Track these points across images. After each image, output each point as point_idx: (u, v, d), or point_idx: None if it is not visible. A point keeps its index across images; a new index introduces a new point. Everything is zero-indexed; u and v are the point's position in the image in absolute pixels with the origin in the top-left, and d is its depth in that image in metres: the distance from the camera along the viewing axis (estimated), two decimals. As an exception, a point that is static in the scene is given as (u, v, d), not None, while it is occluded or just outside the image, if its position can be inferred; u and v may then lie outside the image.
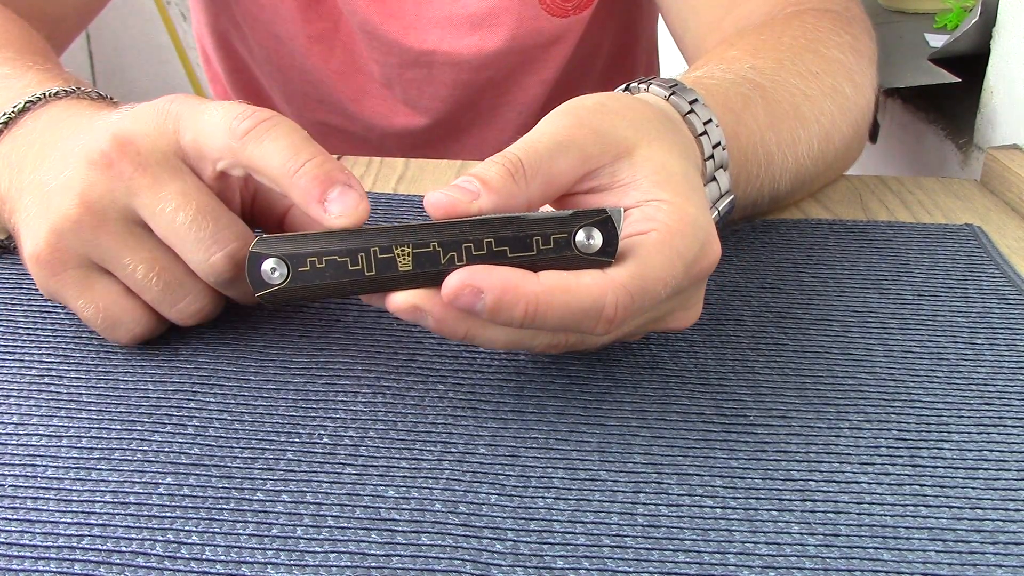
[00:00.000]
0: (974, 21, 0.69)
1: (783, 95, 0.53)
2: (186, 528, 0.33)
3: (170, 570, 0.32)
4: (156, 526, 0.33)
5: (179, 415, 0.39)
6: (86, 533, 0.33)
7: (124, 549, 0.32)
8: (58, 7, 0.66)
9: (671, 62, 0.95)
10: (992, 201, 0.61)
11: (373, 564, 0.32)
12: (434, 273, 0.35)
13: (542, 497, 0.35)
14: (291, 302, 0.37)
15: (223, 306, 0.43)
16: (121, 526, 0.33)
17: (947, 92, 0.76)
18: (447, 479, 0.36)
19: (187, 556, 0.32)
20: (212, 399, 0.40)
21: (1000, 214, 0.59)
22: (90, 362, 0.42)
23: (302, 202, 0.38)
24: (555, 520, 0.34)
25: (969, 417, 0.40)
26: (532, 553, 0.33)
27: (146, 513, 0.34)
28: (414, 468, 0.36)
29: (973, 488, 0.36)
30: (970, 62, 0.72)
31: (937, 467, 0.37)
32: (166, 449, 0.37)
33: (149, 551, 0.32)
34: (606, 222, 0.36)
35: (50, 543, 0.33)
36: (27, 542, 0.33)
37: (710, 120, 0.45)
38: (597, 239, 0.36)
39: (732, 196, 0.47)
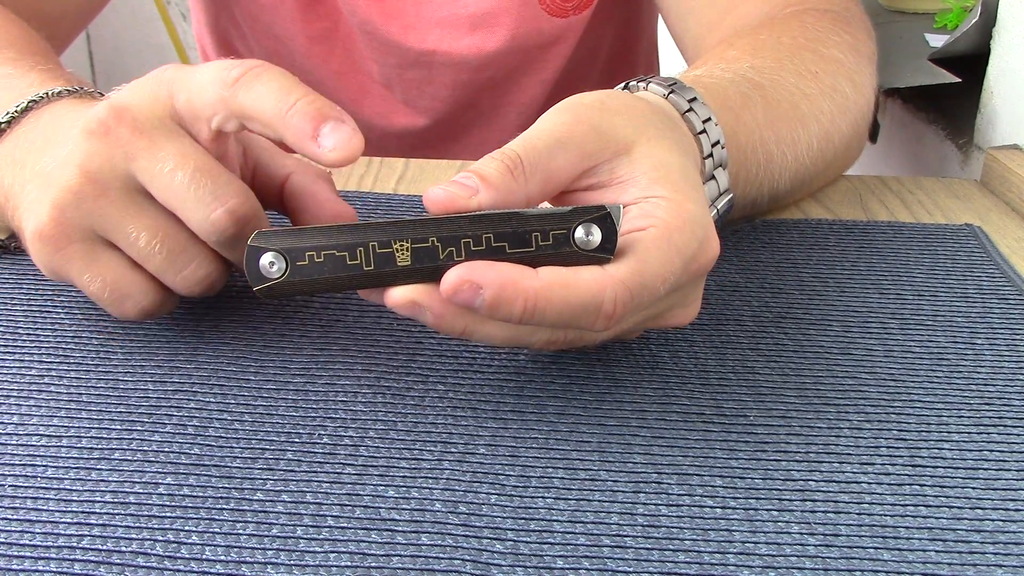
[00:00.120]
0: (974, 21, 0.69)
1: (782, 94, 0.53)
2: (186, 528, 0.33)
3: (170, 570, 0.32)
4: (156, 526, 0.33)
5: (179, 415, 0.39)
6: (86, 533, 0.33)
7: (124, 549, 0.32)
8: (58, 7, 0.66)
9: (671, 62, 0.95)
10: (992, 201, 0.61)
11: (373, 564, 0.32)
12: (433, 268, 0.35)
13: (542, 497, 0.35)
14: (289, 296, 0.37)
15: (228, 277, 0.43)
16: (121, 526, 0.33)
17: (947, 92, 0.76)
18: (447, 479, 0.36)
19: (187, 556, 0.32)
20: (212, 399, 0.40)
21: (1000, 214, 0.59)
22: (90, 362, 0.42)
23: (296, 140, 0.38)
24: (555, 520, 0.34)
25: (969, 417, 0.40)
26: (532, 553, 0.33)
27: (146, 513, 0.34)
28: (414, 468, 0.36)
29: (973, 488, 0.36)
30: (970, 62, 0.72)
31: (937, 467, 0.37)
32: (166, 449, 0.37)
33: (149, 551, 0.32)
34: (605, 219, 0.36)
35: (50, 543, 0.33)
36: (27, 542, 0.33)
37: (709, 118, 0.45)
38: (596, 235, 0.36)
39: (731, 195, 0.47)
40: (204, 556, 0.32)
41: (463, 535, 0.33)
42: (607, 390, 0.41)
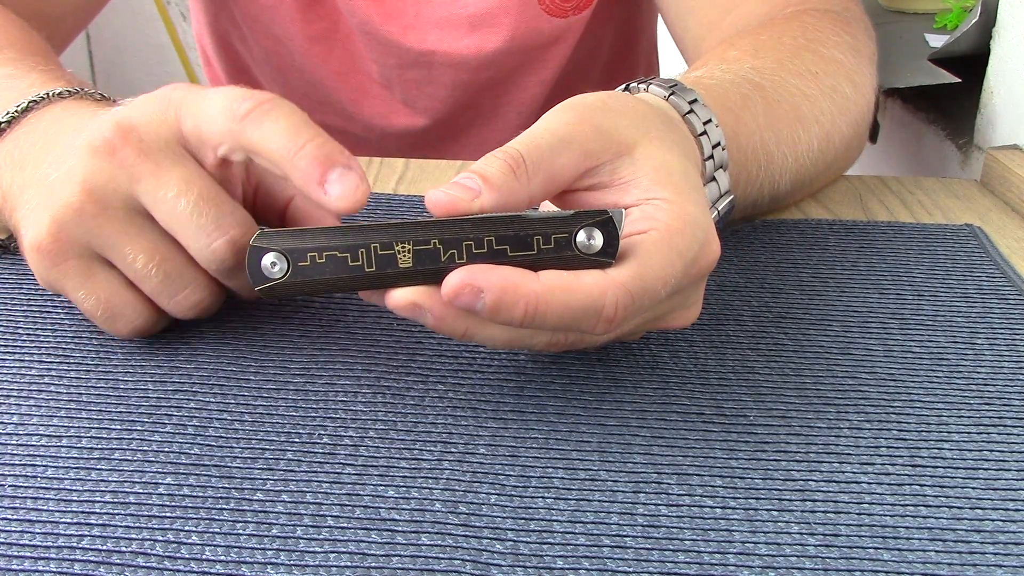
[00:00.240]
0: (974, 21, 0.69)
1: (783, 95, 0.53)
2: (186, 528, 0.33)
3: (170, 570, 0.32)
4: (156, 526, 0.33)
5: (179, 415, 0.39)
6: (86, 533, 0.33)
7: (124, 549, 0.32)
8: (58, 7, 0.66)
9: (671, 62, 0.95)
10: (992, 201, 0.61)
11: (373, 564, 0.32)
12: (434, 270, 0.35)
13: (542, 497, 0.35)
14: (290, 297, 0.37)
15: (222, 301, 0.43)
16: (121, 526, 0.33)
17: (947, 92, 0.76)
18: (447, 479, 0.36)
19: (187, 556, 0.32)
20: (212, 399, 0.40)
21: (1000, 214, 0.59)
22: (90, 362, 0.42)
23: (302, 184, 0.38)
24: (555, 520, 0.34)
25: (969, 417, 0.40)
26: (532, 553, 0.33)
27: (146, 513, 0.34)
28: (414, 468, 0.36)
29: (973, 488, 0.36)
30: (970, 62, 0.72)
31: (937, 467, 0.37)
32: (166, 449, 0.37)
33: (149, 551, 0.32)
34: (607, 223, 0.36)
35: (50, 543, 0.33)
36: (27, 542, 0.33)
37: (710, 120, 0.45)
38: (598, 240, 0.36)
39: (732, 196, 0.47)
40: (204, 556, 0.32)
41: (463, 535, 0.33)
42: (607, 390, 0.41)
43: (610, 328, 0.36)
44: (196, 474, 0.36)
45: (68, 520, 0.34)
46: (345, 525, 0.34)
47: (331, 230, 0.36)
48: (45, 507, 0.34)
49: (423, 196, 0.37)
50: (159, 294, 0.41)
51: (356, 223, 0.37)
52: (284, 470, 0.36)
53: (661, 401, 0.40)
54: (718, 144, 0.45)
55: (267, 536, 0.33)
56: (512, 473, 0.36)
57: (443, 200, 0.36)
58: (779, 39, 0.57)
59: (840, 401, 0.41)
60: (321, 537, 0.33)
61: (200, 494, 0.35)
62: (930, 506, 0.35)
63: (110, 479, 0.35)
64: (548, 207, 0.41)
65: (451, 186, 0.36)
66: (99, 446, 0.37)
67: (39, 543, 0.33)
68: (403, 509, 0.34)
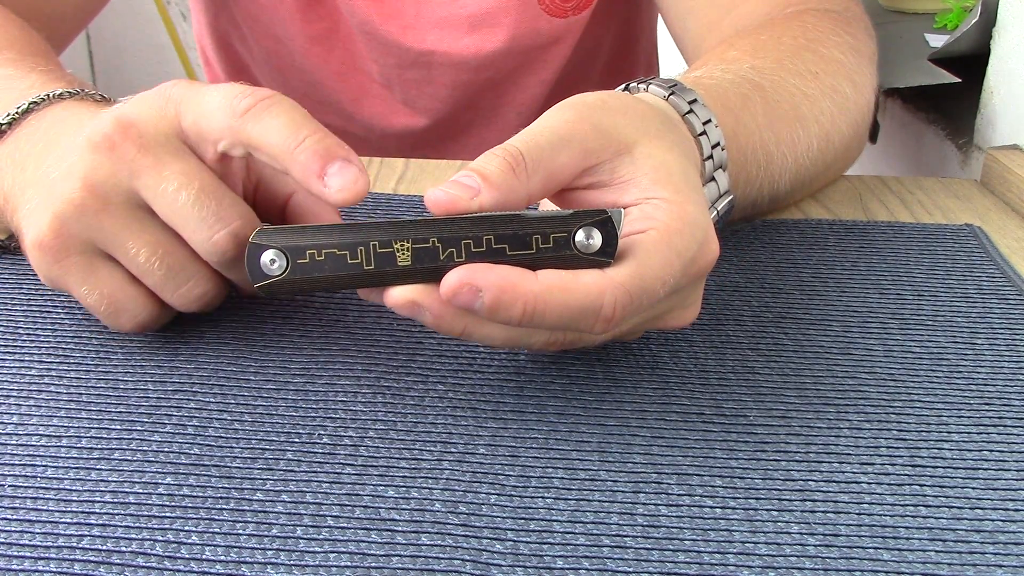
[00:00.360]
0: (974, 21, 0.69)
1: (782, 95, 0.53)
2: (186, 528, 0.33)
3: (170, 570, 0.32)
4: (156, 526, 0.33)
5: (179, 415, 0.39)
6: (86, 533, 0.33)
7: (124, 549, 0.32)
8: (57, 7, 0.66)
9: (671, 62, 0.95)
10: (992, 201, 0.61)
11: (373, 564, 0.32)
12: (433, 269, 0.35)
13: (542, 497, 0.35)
14: (289, 294, 0.37)
15: (225, 294, 0.43)
16: (121, 526, 0.33)
17: (947, 92, 0.76)
18: (447, 479, 0.36)
19: (187, 556, 0.32)
20: (212, 399, 0.40)
21: (1000, 214, 0.59)
22: (90, 362, 0.42)
23: (302, 178, 0.38)
24: (555, 520, 0.34)
25: (969, 417, 0.40)
26: (532, 553, 0.33)
27: (146, 513, 0.34)
28: (414, 468, 0.36)
29: (973, 488, 0.36)
30: (970, 62, 0.72)
31: (937, 467, 0.37)
32: (166, 449, 0.37)
33: (149, 551, 0.32)
34: (606, 223, 0.36)
35: (50, 543, 0.33)
36: (27, 542, 0.33)
37: (709, 120, 0.45)
38: (597, 239, 0.36)
39: (731, 196, 0.47)
40: (204, 556, 0.32)
41: (463, 535, 0.33)
42: (607, 390, 0.41)
43: (608, 327, 0.36)
44: (196, 474, 0.36)
45: (68, 520, 0.34)
46: (345, 525, 0.34)
47: (330, 227, 0.36)
48: (45, 507, 0.34)
49: (423, 196, 0.37)
50: (162, 288, 0.41)
51: (356, 221, 0.37)
52: (284, 470, 0.36)
53: (661, 401, 0.40)
54: (717, 144, 0.45)
55: (267, 536, 0.33)
56: (512, 473, 0.36)
57: (442, 199, 0.36)
58: (779, 39, 0.57)
59: (840, 401, 0.41)
60: (321, 537, 0.33)
61: (200, 494, 0.35)
62: (930, 506, 0.35)
63: (110, 479, 0.35)
64: (548, 206, 0.41)
65: (450, 185, 0.36)
66: (99, 446, 0.37)
67: (39, 543, 0.33)
68: (403, 509, 0.34)
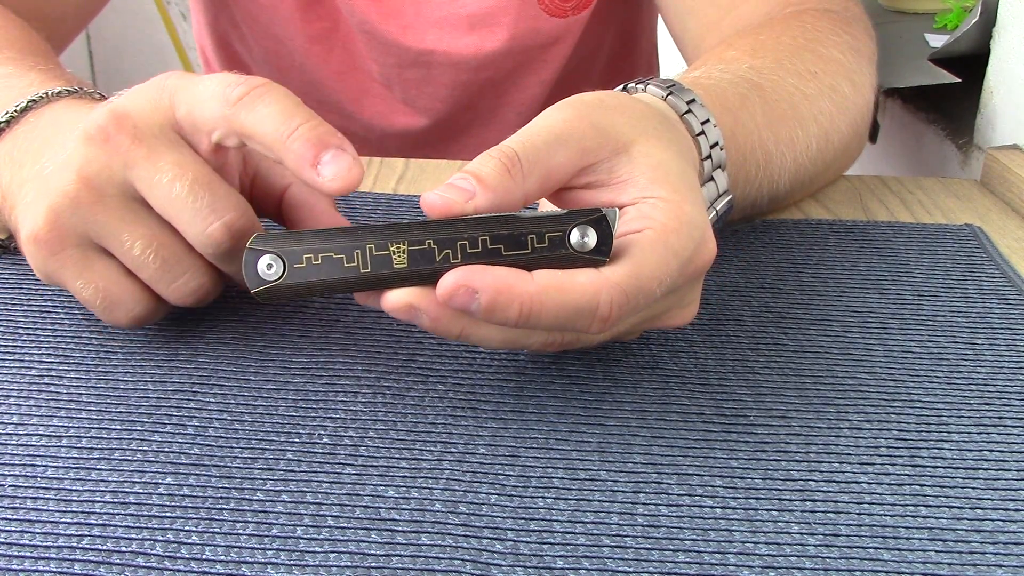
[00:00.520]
0: (974, 21, 0.69)
1: (781, 95, 0.53)
2: (186, 528, 0.33)
3: (170, 570, 0.32)
4: (156, 526, 0.33)
5: (179, 415, 0.39)
6: (86, 533, 0.33)
7: (124, 549, 0.32)
8: (57, 7, 0.66)
9: (671, 62, 0.95)
10: (992, 201, 0.61)
11: (373, 564, 0.32)
12: (429, 271, 0.35)
13: (542, 497, 0.35)
14: (287, 299, 0.37)
15: (221, 288, 0.43)
16: (121, 526, 0.33)
17: (947, 92, 0.76)
18: (447, 479, 0.36)
19: (187, 556, 0.32)
20: (212, 399, 0.40)
21: (1000, 214, 0.59)
22: (90, 362, 0.42)
23: (295, 166, 0.38)
24: (555, 520, 0.34)
25: (969, 417, 0.40)
26: (532, 553, 0.33)
27: (146, 513, 0.34)
28: (414, 468, 0.36)
29: (973, 488, 0.36)
30: (970, 62, 0.72)
31: (937, 467, 0.37)
32: (166, 449, 0.37)
33: (149, 551, 0.32)
34: (600, 221, 0.36)
35: (50, 543, 0.33)
36: (27, 542, 0.33)
37: (707, 120, 0.45)
38: (592, 238, 0.36)
39: (730, 196, 0.47)
40: (204, 556, 0.32)
41: (463, 535, 0.33)
42: (607, 390, 0.41)
43: (605, 327, 0.36)
44: (196, 474, 0.36)
45: (68, 520, 0.34)
46: (345, 525, 0.34)
47: (326, 232, 0.36)
48: (45, 507, 0.34)
49: (420, 199, 0.37)
50: (157, 281, 0.41)
51: (352, 225, 0.37)
52: (284, 470, 0.36)
53: (661, 401, 0.40)
54: (716, 144, 0.45)
55: (267, 536, 0.33)
56: (512, 473, 0.36)
57: (438, 203, 0.36)
58: (778, 39, 0.57)
59: (840, 401, 0.41)
60: (321, 537, 0.33)
61: (200, 494, 0.35)
62: (930, 506, 0.35)
63: (110, 479, 0.35)
64: (546, 206, 0.41)
65: (446, 188, 0.36)
66: (99, 446, 0.37)
67: (39, 543, 0.33)
68: (403, 509, 0.34)
